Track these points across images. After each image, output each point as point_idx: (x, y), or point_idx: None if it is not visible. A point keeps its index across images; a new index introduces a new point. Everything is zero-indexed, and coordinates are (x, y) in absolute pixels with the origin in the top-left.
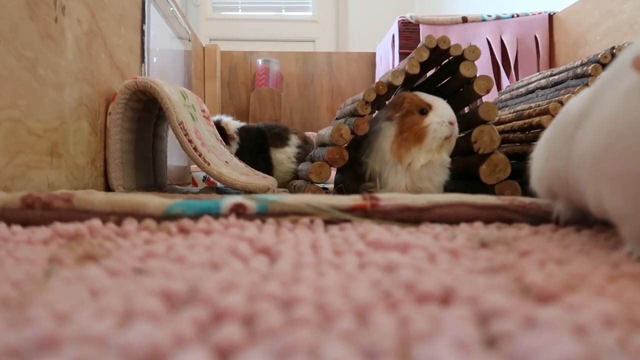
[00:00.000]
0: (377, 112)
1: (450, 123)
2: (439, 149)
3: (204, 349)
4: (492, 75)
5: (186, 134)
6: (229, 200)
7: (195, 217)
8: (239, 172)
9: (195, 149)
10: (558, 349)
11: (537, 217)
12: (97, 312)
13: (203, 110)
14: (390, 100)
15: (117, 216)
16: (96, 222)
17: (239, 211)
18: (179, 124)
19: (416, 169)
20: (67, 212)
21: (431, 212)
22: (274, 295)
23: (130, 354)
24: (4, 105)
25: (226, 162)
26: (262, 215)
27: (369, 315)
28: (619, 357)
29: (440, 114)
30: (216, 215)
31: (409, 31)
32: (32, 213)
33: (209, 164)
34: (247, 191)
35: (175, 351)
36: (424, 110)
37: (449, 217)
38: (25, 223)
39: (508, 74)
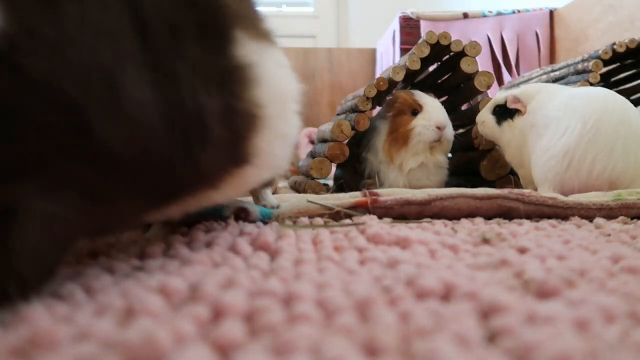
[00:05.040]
0: (378, 108)
1: (438, 127)
2: (431, 151)
3: (205, 346)
4: (492, 72)
5: None
6: (232, 206)
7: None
8: None
9: None
10: (558, 344)
11: (537, 204)
12: (96, 310)
13: None
14: (387, 98)
15: None
16: None
17: (241, 215)
18: None
19: (405, 171)
20: None
21: (432, 205)
22: (275, 292)
23: (130, 352)
24: None
25: None
26: (264, 222)
27: (369, 311)
28: (619, 352)
29: (428, 117)
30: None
31: (409, 27)
32: None
33: None
34: None
35: (175, 349)
36: (415, 111)
37: (450, 209)
38: None
39: (509, 70)
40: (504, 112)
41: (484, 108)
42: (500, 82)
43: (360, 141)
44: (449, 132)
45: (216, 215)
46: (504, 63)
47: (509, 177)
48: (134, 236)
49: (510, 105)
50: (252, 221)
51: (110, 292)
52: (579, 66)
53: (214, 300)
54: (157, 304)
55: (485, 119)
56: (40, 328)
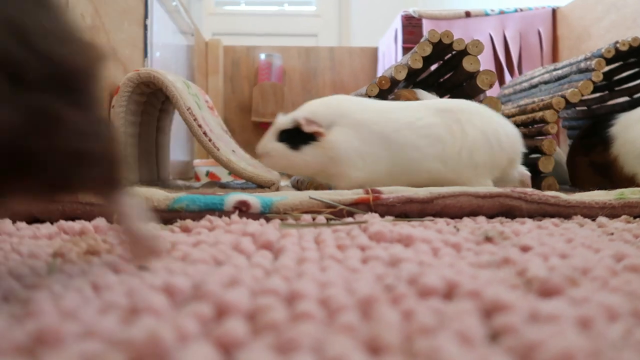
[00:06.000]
0: None
1: None
2: None
3: (208, 344)
4: (494, 71)
5: (195, 119)
6: (233, 197)
7: (199, 212)
8: (245, 162)
9: (205, 133)
10: (561, 342)
11: (540, 203)
12: (101, 308)
13: (207, 101)
14: (390, 97)
15: None
16: (101, 221)
17: (242, 209)
18: (187, 109)
19: None
20: (71, 204)
21: (434, 203)
22: (277, 290)
23: (134, 349)
24: None
25: (233, 150)
26: (266, 214)
27: (372, 309)
28: (622, 350)
29: None
30: (220, 211)
31: (411, 26)
32: (36, 206)
33: (218, 150)
34: (253, 182)
35: (179, 346)
36: None
37: (452, 208)
38: (29, 215)
39: (511, 70)
40: (297, 136)
41: (265, 138)
42: (502, 81)
43: None
44: None
45: (216, 209)
46: (506, 62)
47: None
48: None
49: (308, 129)
50: (254, 213)
51: (115, 290)
52: (582, 65)
53: (217, 298)
54: (160, 303)
55: (272, 147)
56: (45, 325)
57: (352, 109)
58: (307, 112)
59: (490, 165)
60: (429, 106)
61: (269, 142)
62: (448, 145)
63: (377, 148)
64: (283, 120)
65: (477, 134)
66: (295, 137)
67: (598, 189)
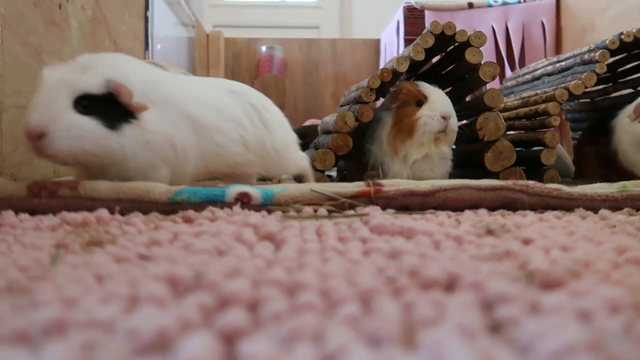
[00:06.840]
0: (382, 99)
1: (444, 117)
2: (436, 142)
3: (210, 334)
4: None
5: None
6: (235, 189)
7: (201, 204)
8: None
9: None
10: (563, 334)
11: (542, 195)
12: (103, 297)
13: None
14: (391, 89)
15: (122, 203)
16: (103, 212)
17: (243, 200)
18: None
19: (409, 162)
20: (73, 199)
21: (435, 196)
22: (279, 281)
23: (137, 339)
24: (10, 92)
25: None
26: (267, 205)
27: (373, 301)
28: (623, 342)
29: (433, 108)
30: (221, 203)
31: (414, 17)
32: (38, 201)
33: None
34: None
35: (181, 336)
36: (420, 101)
37: (454, 201)
38: (32, 212)
39: (511, 64)
40: (109, 110)
41: (48, 105)
42: (502, 74)
43: (364, 133)
44: (454, 123)
45: (217, 200)
46: (506, 55)
47: (513, 168)
48: (141, 226)
49: (128, 101)
50: (255, 205)
51: (117, 280)
52: (586, 56)
53: (219, 288)
54: (163, 292)
55: (71, 123)
56: (49, 314)
57: (163, 80)
58: (117, 73)
59: (287, 150)
60: (218, 86)
61: (62, 113)
62: (249, 131)
63: (187, 133)
64: (82, 81)
65: (275, 121)
66: (107, 110)
67: (604, 181)
